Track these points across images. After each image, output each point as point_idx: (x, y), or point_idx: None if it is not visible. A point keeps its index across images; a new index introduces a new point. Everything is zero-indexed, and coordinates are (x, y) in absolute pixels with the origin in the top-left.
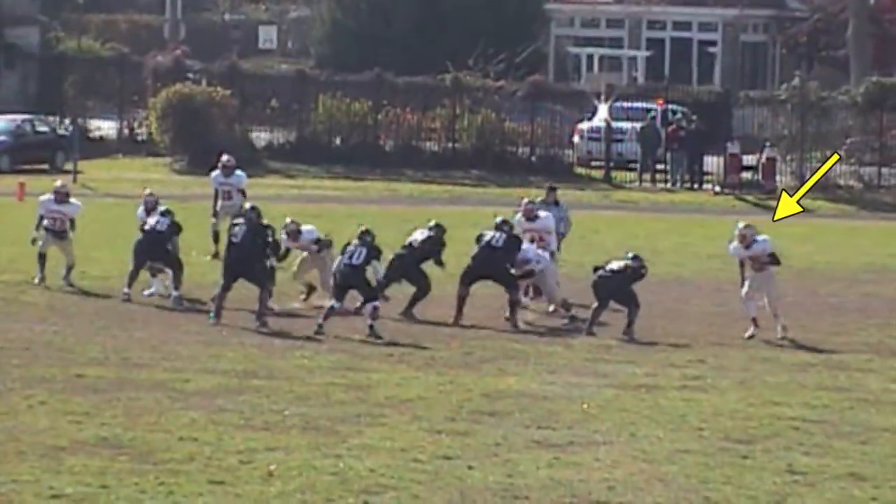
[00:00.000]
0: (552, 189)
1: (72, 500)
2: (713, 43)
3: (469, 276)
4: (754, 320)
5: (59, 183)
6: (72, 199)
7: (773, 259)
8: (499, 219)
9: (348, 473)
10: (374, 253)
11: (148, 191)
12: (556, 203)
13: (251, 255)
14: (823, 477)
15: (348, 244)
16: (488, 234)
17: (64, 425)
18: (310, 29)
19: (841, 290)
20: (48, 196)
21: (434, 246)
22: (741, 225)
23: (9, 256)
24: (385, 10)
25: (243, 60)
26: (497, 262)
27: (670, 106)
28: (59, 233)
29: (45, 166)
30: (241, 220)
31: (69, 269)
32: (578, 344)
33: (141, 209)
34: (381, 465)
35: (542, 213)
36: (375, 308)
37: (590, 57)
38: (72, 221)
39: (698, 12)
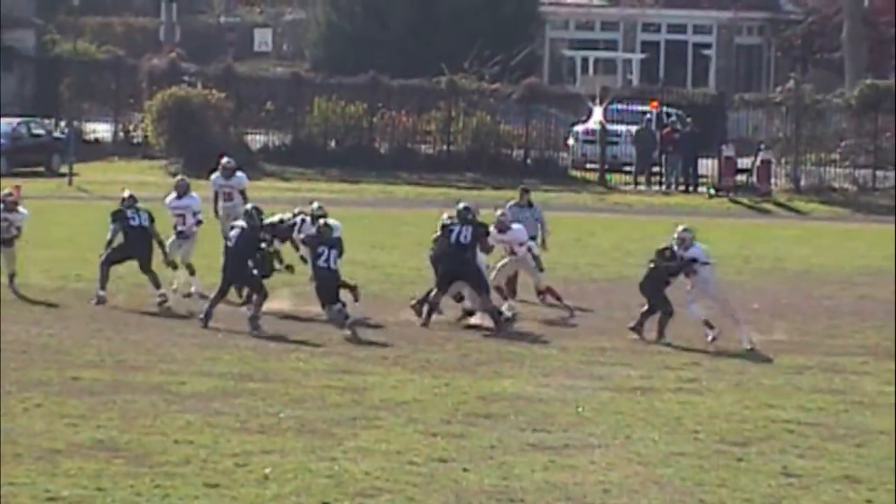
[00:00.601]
0: (525, 191)
1: (68, 502)
2: (708, 45)
3: (445, 282)
4: (706, 323)
5: (6, 191)
6: (20, 208)
7: (693, 262)
8: (461, 205)
9: (344, 476)
10: (340, 249)
11: (127, 192)
12: (530, 204)
13: (244, 259)
14: (818, 480)
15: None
16: (455, 229)
17: (60, 428)
18: (305, 31)
19: (836, 293)
20: None
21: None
22: (680, 228)
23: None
24: (380, 12)
25: (238, 63)
26: (469, 262)
27: (665, 109)
28: (5, 240)
29: (42, 169)
30: (238, 223)
31: (11, 277)
32: (574, 347)
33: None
34: (377, 467)
35: (514, 226)
36: (340, 311)
37: (585, 59)
38: (18, 229)
39: (693, 15)
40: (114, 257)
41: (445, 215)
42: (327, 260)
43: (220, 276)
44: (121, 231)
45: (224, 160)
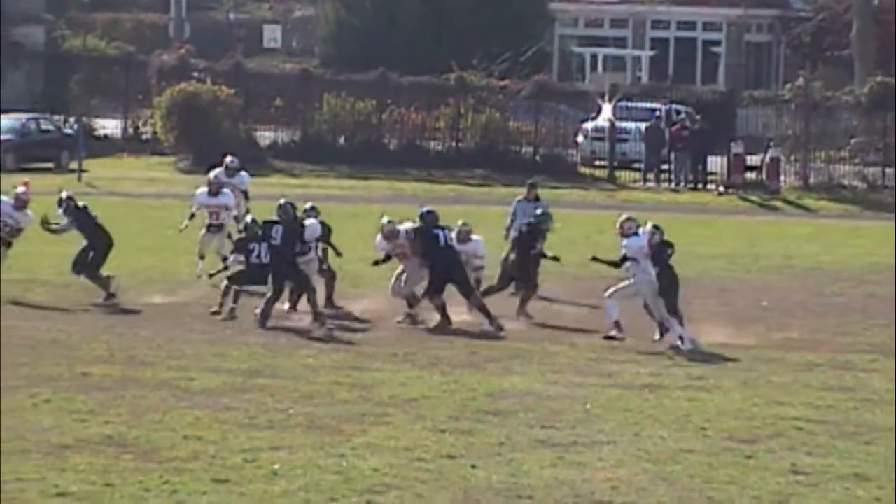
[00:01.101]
0: (532, 186)
1: (76, 498)
2: (717, 43)
3: (438, 285)
4: (616, 324)
5: (20, 189)
6: (28, 211)
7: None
8: (424, 209)
9: (352, 472)
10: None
11: (65, 193)
12: (537, 199)
13: (289, 255)
14: (827, 477)
15: (248, 240)
16: (438, 232)
17: (69, 423)
18: (314, 28)
19: (845, 290)
20: (7, 199)
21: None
22: (623, 217)
23: (13, 254)
24: (390, 9)
25: (248, 59)
26: (459, 263)
27: (674, 106)
28: (6, 242)
29: (51, 165)
30: (277, 220)
31: None
32: (582, 344)
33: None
34: (385, 464)
35: (474, 237)
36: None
37: (594, 56)
38: (19, 231)
39: (702, 12)
40: (96, 261)
41: (461, 222)
42: (259, 255)
43: (271, 278)
44: (78, 228)
45: (228, 159)
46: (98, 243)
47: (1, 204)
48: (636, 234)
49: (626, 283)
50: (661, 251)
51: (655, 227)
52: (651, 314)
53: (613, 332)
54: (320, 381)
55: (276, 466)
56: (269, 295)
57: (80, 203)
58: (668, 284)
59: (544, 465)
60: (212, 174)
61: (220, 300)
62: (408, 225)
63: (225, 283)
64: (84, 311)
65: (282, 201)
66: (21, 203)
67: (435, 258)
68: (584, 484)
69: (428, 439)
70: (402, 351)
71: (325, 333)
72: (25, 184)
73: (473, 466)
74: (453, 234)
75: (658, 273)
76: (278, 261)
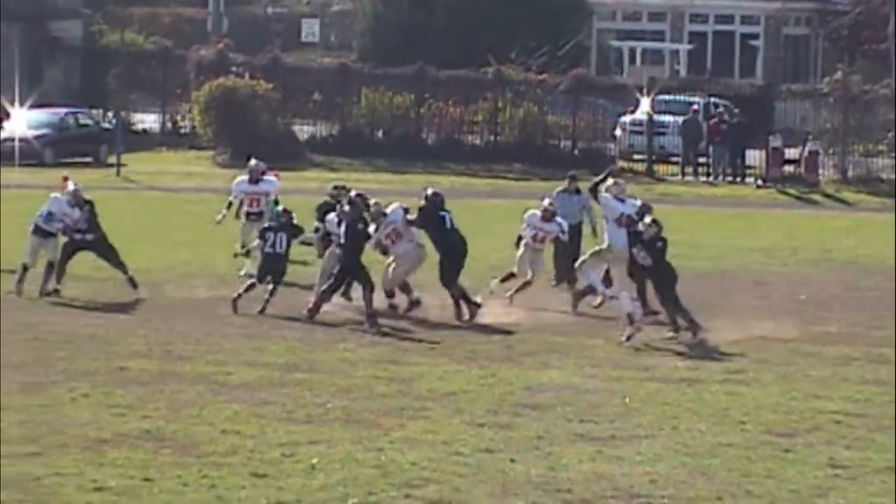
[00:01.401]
0: (573, 178)
1: (114, 492)
2: (755, 36)
3: (454, 272)
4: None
5: (71, 185)
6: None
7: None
8: (430, 190)
9: (390, 466)
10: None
11: (72, 185)
12: (577, 192)
13: (357, 252)
14: (865, 471)
15: (268, 229)
16: (445, 215)
17: (107, 418)
18: (352, 22)
19: (883, 284)
20: (61, 196)
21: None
22: (610, 181)
23: None
24: (427, 2)
25: (286, 54)
26: (464, 247)
27: (712, 99)
28: (52, 235)
29: (89, 159)
30: (333, 217)
31: (51, 265)
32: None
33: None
34: (423, 458)
35: (558, 218)
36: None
37: (632, 50)
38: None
39: (741, 5)
40: (110, 258)
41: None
42: (273, 245)
43: (335, 273)
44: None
45: (252, 163)
46: (99, 239)
47: (55, 202)
48: (621, 199)
49: (594, 249)
50: (652, 244)
51: (654, 220)
52: (675, 316)
53: (630, 331)
54: (358, 374)
55: (315, 461)
56: (324, 287)
57: (86, 197)
58: (665, 279)
59: (583, 459)
60: (252, 161)
61: (240, 290)
62: (395, 206)
63: (250, 281)
64: (121, 306)
65: (353, 194)
66: (77, 200)
67: (440, 241)
68: (622, 478)
69: (466, 433)
70: (440, 345)
71: (375, 331)
72: (65, 178)
73: (512, 460)
74: (537, 212)
75: (652, 268)
76: (346, 257)
